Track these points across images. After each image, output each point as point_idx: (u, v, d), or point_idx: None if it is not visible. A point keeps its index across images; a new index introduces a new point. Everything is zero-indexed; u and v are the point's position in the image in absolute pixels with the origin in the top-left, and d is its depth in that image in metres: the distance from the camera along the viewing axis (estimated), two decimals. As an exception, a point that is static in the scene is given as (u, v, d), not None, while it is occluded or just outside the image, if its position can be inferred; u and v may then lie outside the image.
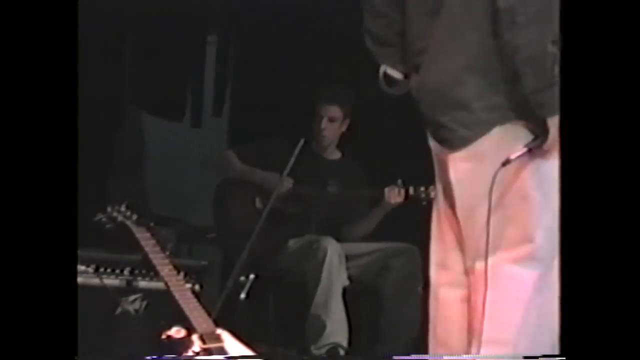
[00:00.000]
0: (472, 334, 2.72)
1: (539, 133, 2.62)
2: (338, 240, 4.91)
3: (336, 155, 5.23)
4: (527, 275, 2.64)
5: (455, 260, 2.82)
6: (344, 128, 5.13)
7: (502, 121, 2.65)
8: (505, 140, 2.65)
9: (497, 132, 2.66)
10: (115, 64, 6.27)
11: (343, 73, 5.68)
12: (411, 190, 4.92)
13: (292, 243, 4.97)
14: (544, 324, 2.59)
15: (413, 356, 3.13)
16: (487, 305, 2.65)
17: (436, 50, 2.74)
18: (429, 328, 2.87)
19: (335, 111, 5.08)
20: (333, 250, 4.80)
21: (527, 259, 2.65)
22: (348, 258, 4.89)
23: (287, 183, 4.81)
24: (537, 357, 2.56)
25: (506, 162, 2.61)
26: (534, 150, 2.62)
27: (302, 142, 4.52)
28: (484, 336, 2.65)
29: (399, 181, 4.96)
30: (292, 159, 4.50)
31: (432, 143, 2.82)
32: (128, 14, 6.01)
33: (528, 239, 2.65)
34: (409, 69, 2.85)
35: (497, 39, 2.62)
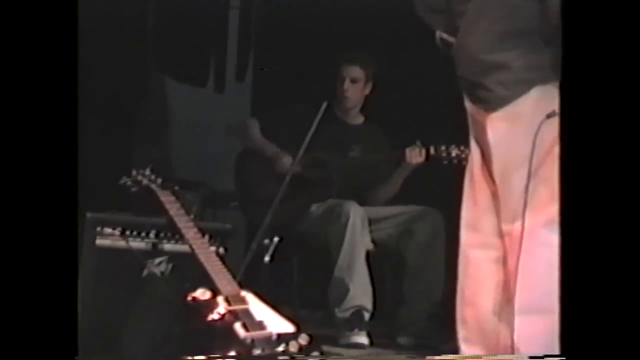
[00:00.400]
0: (507, 298, 2.70)
1: None
2: (361, 204, 4.92)
3: (359, 119, 5.23)
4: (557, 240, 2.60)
5: (487, 222, 2.80)
6: (366, 91, 5.12)
7: (542, 81, 2.63)
8: (544, 100, 2.62)
9: (536, 91, 2.63)
10: (138, 29, 6.28)
11: (366, 37, 5.67)
12: (432, 150, 4.91)
13: (315, 208, 4.98)
14: None
15: (444, 356, 3.09)
16: (519, 271, 2.63)
17: (476, 14, 2.72)
18: (457, 288, 2.86)
19: (357, 72, 5.07)
20: (356, 214, 4.81)
21: (556, 221, 2.61)
22: (371, 222, 4.90)
23: (296, 167, 4.76)
24: (537, 357, 2.53)
25: (551, 114, 2.57)
26: None
27: (324, 105, 4.52)
28: (517, 304, 2.63)
29: (418, 142, 4.95)
30: (315, 124, 4.50)
31: (469, 104, 2.80)
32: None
33: (556, 200, 2.62)
34: (450, 31, 2.82)
35: (540, 2, 2.59)
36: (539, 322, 2.60)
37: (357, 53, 5.15)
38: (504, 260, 2.74)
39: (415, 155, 4.92)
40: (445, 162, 4.85)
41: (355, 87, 5.07)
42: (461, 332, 2.79)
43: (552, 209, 2.61)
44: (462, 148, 4.82)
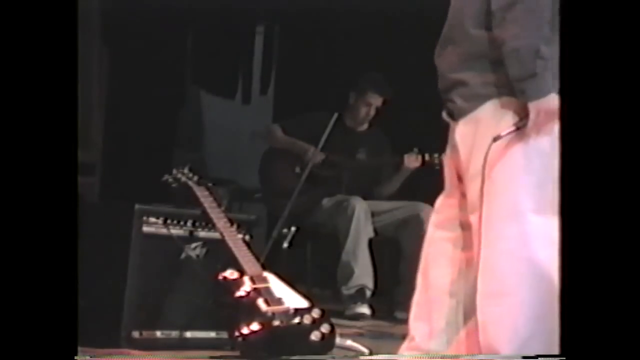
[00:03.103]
0: (467, 281, 2.66)
1: (523, 115, 2.58)
2: (365, 199, 4.91)
3: (364, 127, 5.21)
4: (515, 229, 2.54)
5: (448, 207, 2.76)
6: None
7: (496, 95, 2.62)
8: (499, 110, 2.61)
9: (491, 104, 2.62)
10: (180, 51, 6.30)
11: (371, 58, 5.67)
12: (427, 157, 4.90)
13: (326, 201, 4.97)
14: (542, 274, 2.47)
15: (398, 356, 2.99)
16: (481, 260, 2.54)
17: (445, 41, 2.74)
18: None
19: (380, 100, 5.04)
20: (360, 207, 4.81)
21: (513, 215, 2.58)
22: (373, 214, 4.89)
23: (320, 155, 4.78)
24: (537, 357, 2.47)
25: (497, 138, 2.55)
26: (522, 129, 2.58)
27: (335, 116, 4.52)
28: (480, 289, 2.53)
29: (415, 149, 4.93)
30: (327, 132, 4.50)
31: (444, 114, 2.80)
32: (192, 10, 6.02)
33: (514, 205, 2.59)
34: None
35: (489, 32, 2.61)
36: (501, 304, 2.52)
37: (381, 79, 5.08)
38: (463, 245, 2.70)
39: (412, 161, 4.91)
40: (437, 167, 4.82)
41: (375, 111, 5.06)
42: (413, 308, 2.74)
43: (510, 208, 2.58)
44: (434, 155, 4.82)
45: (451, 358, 2.61)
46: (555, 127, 2.44)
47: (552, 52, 2.46)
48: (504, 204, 2.55)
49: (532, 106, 2.51)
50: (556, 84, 2.42)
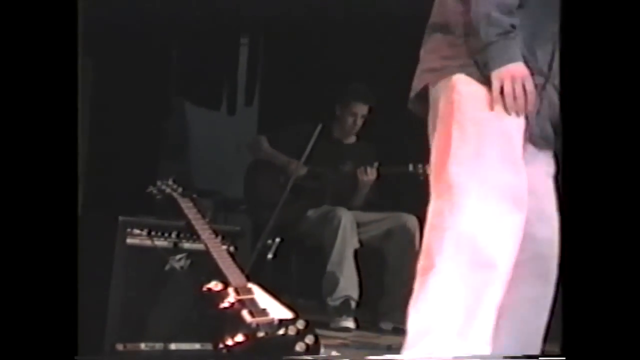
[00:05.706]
0: None
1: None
2: (350, 210, 4.91)
3: (352, 139, 5.21)
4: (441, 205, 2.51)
5: None
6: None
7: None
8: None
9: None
10: (165, 62, 6.30)
11: (358, 70, 5.67)
12: (411, 167, 4.86)
13: (311, 212, 4.97)
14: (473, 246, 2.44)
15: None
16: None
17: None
18: None
19: (365, 109, 5.05)
20: (346, 218, 4.80)
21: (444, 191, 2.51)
22: (359, 225, 4.90)
23: (302, 170, 4.77)
24: (537, 357, 2.45)
25: None
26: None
27: (319, 127, 4.52)
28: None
29: (375, 163, 4.91)
30: (311, 143, 4.50)
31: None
32: (177, 22, 6.03)
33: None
34: None
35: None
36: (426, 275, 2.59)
37: (364, 89, 5.10)
38: None
39: (362, 174, 4.92)
40: (422, 177, 4.80)
41: (362, 120, 5.07)
42: None
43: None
44: (418, 165, 4.80)
45: (450, 358, 2.61)
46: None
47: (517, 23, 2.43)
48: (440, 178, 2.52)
49: (495, 75, 2.45)
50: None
